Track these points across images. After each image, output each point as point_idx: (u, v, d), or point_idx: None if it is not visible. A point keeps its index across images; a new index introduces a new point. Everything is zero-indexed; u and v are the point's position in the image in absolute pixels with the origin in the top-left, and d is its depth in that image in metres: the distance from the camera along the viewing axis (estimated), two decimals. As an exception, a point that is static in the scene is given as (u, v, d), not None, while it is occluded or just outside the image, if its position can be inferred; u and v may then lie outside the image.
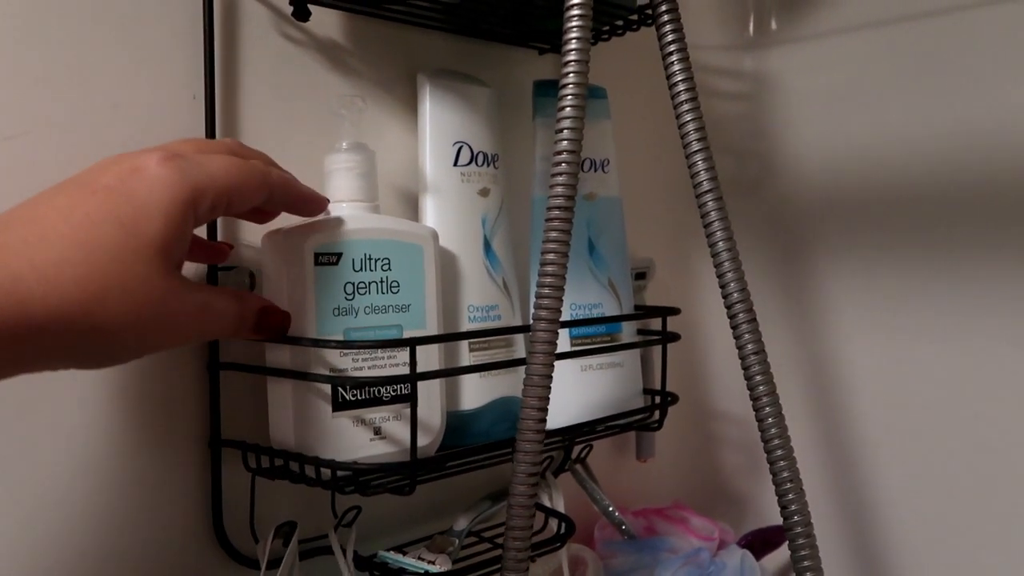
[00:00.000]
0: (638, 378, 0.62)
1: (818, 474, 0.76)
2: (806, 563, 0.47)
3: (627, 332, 0.61)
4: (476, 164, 0.56)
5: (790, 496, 0.48)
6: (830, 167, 0.77)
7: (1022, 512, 0.66)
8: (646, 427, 0.62)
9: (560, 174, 0.47)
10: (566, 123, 0.47)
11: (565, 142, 0.47)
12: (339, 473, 0.45)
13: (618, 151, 0.64)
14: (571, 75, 0.47)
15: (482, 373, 0.54)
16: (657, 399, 0.63)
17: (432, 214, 0.55)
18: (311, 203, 0.45)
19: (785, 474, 0.48)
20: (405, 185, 0.59)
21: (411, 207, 0.59)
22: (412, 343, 0.45)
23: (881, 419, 0.74)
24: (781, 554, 0.74)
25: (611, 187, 0.62)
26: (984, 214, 0.67)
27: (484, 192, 0.56)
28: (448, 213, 0.55)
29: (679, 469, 0.82)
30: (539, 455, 0.46)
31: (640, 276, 0.74)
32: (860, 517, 0.75)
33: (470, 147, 0.56)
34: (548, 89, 0.60)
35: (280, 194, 0.42)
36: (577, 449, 0.68)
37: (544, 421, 0.47)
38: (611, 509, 0.68)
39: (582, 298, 0.59)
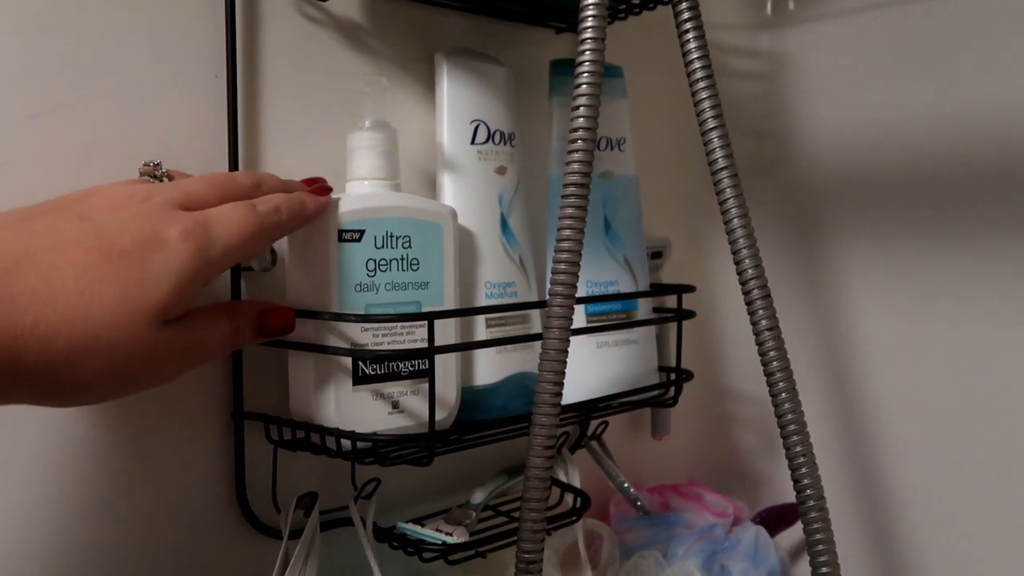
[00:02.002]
0: (653, 355, 0.63)
1: (833, 452, 0.77)
2: (818, 536, 0.48)
3: (643, 310, 0.62)
4: (493, 142, 0.56)
5: (803, 471, 0.49)
6: (847, 147, 0.77)
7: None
8: (661, 403, 0.62)
9: (576, 151, 0.47)
10: (582, 100, 0.47)
11: (581, 119, 0.47)
12: (359, 445, 0.46)
13: (635, 130, 0.64)
14: (587, 53, 0.47)
15: (499, 349, 0.55)
16: (672, 376, 0.63)
17: (450, 192, 0.55)
18: (315, 212, 0.45)
19: (798, 449, 0.49)
20: (423, 163, 0.60)
21: (429, 185, 0.59)
22: (430, 317, 0.46)
23: (896, 398, 0.74)
24: (795, 531, 0.75)
25: (627, 166, 0.63)
26: (1003, 194, 0.67)
27: (501, 170, 0.57)
28: (465, 191, 0.55)
29: (694, 447, 0.83)
30: (555, 428, 0.47)
31: (656, 255, 0.75)
32: (875, 495, 0.75)
33: (487, 126, 0.56)
34: (565, 68, 0.60)
35: (288, 230, 0.44)
36: (593, 426, 0.69)
37: (560, 395, 0.47)
38: (626, 485, 0.69)
39: (598, 276, 0.60)
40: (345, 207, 0.47)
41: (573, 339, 0.56)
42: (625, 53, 0.66)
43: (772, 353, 0.49)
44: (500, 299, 0.55)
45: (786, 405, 0.49)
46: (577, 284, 0.48)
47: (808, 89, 0.79)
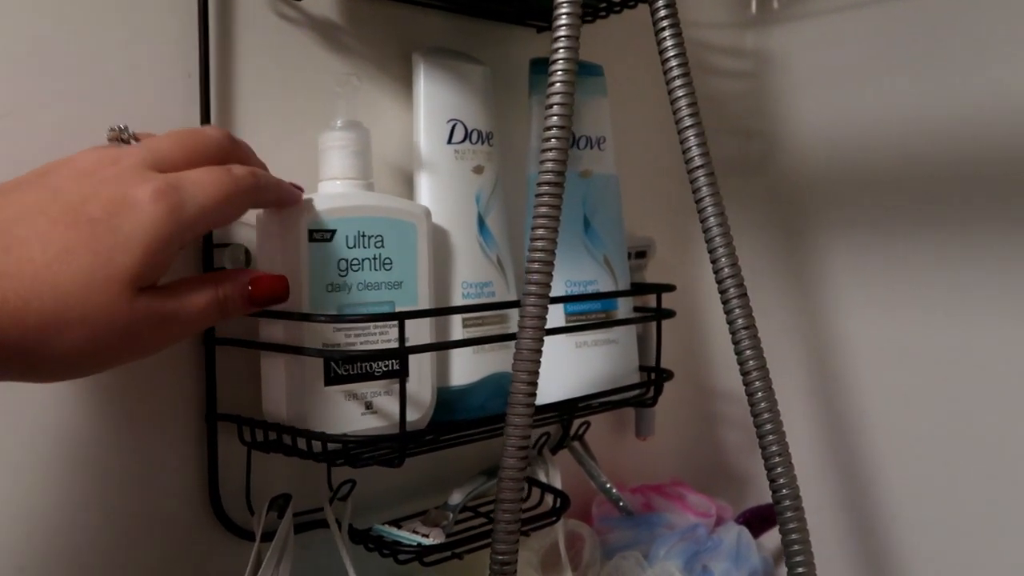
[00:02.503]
0: (634, 355, 0.62)
1: (817, 451, 0.76)
2: (794, 536, 0.47)
3: (623, 309, 0.62)
4: (470, 142, 0.56)
5: (779, 471, 0.48)
6: (833, 145, 0.76)
7: (1020, 485, 0.66)
8: (641, 403, 0.62)
9: (550, 150, 0.47)
10: (556, 99, 0.47)
11: (555, 118, 0.47)
12: (329, 446, 0.46)
13: (621, 130, 0.64)
14: (561, 50, 0.47)
15: (476, 349, 0.55)
16: (653, 376, 0.63)
17: (426, 191, 0.55)
18: (288, 200, 0.45)
19: (774, 448, 0.48)
20: (401, 163, 0.59)
21: (407, 185, 0.59)
22: (401, 317, 0.46)
23: (881, 395, 0.74)
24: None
25: (607, 164, 0.62)
26: (987, 190, 0.67)
27: (478, 169, 0.57)
28: (442, 190, 0.55)
29: (680, 447, 0.82)
30: (529, 429, 0.47)
31: (640, 255, 0.74)
32: (857, 494, 0.75)
33: (464, 125, 0.56)
34: (544, 67, 0.59)
35: (262, 200, 0.43)
36: (575, 426, 0.69)
37: (534, 395, 0.47)
38: (608, 486, 0.68)
39: (577, 275, 0.59)
40: (316, 207, 0.47)
41: (552, 339, 0.56)
42: (610, 53, 0.66)
43: (748, 352, 0.49)
44: (477, 299, 0.55)
45: (762, 404, 0.49)
46: (551, 283, 0.47)
47: (793, 87, 0.79)
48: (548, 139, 0.47)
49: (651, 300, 0.66)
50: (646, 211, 0.76)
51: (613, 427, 0.76)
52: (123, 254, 0.33)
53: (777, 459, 0.48)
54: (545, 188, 0.47)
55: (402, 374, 0.46)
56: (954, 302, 0.69)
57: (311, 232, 0.46)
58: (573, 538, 0.65)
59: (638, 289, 0.64)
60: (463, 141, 0.56)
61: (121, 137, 0.41)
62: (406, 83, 0.59)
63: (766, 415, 0.48)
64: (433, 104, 0.56)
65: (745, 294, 0.49)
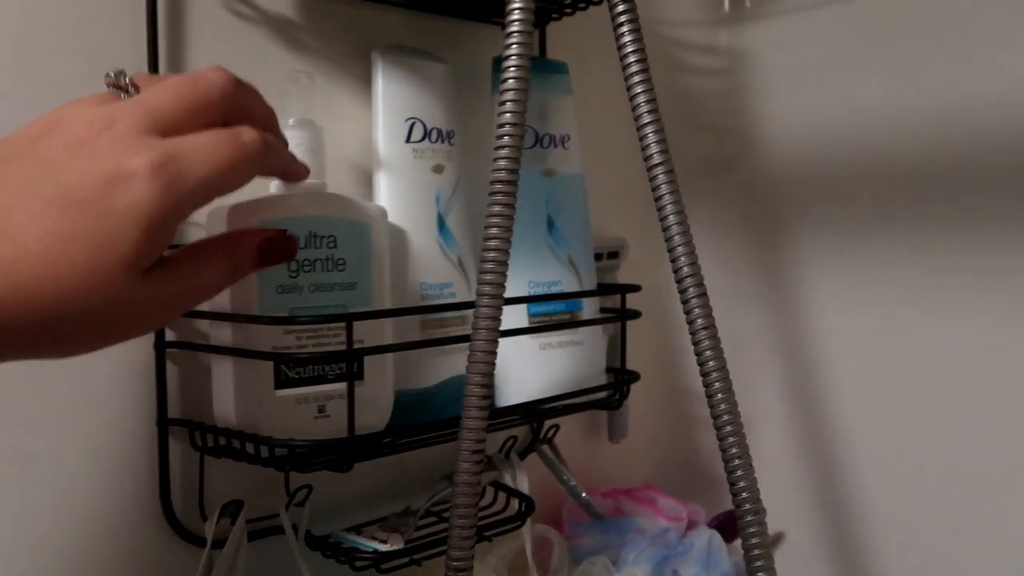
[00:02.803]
0: (601, 357, 0.61)
1: (790, 451, 0.75)
2: (755, 541, 0.46)
3: (588, 310, 0.61)
4: (430, 140, 0.55)
5: (739, 474, 0.47)
6: (807, 143, 0.76)
7: (995, 483, 0.65)
8: (605, 405, 0.61)
9: (503, 147, 0.46)
10: (509, 95, 0.46)
11: (508, 115, 0.46)
12: (277, 451, 0.45)
13: (595, 129, 0.63)
14: (514, 46, 0.47)
15: (437, 351, 0.54)
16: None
17: (385, 191, 0.54)
18: (294, 173, 0.41)
19: (734, 451, 0.47)
20: (361, 163, 0.58)
21: (367, 185, 0.58)
22: (349, 318, 0.45)
23: (857, 393, 0.73)
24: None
25: (572, 163, 0.61)
26: (962, 188, 0.66)
27: (438, 169, 0.56)
28: (401, 190, 0.54)
29: (654, 451, 0.81)
30: (483, 432, 0.46)
31: (613, 255, 0.73)
32: (831, 497, 0.74)
33: (423, 123, 0.55)
34: (506, 64, 0.59)
35: (267, 169, 0.39)
36: (545, 429, 0.68)
37: (488, 398, 0.46)
38: (578, 490, 0.67)
39: (540, 276, 0.58)
40: (266, 206, 0.46)
41: (516, 340, 0.55)
42: (580, 50, 0.65)
43: (708, 352, 0.48)
44: (436, 300, 0.54)
45: (722, 406, 0.48)
46: (505, 283, 0.46)
47: (767, 85, 0.78)
48: (501, 136, 0.46)
49: (629, 300, 0.65)
50: (619, 211, 0.75)
51: (586, 430, 0.75)
52: (120, 240, 0.32)
53: (737, 462, 0.47)
54: (498, 186, 0.46)
55: (350, 377, 0.45)
56: (929, 300, 0.68)
57: (261, 233, 0.45)
58: (542, 543, 0.63)
59: (602, 290, 0.62)
60: (422, 140, 0.55)
61: (118, 84, 0.37)
62: (366, 81, 0.58)
63: (726, 416, 0.47)
64: (391, 102, 0.55)
65: (705, 293, 0.49)
